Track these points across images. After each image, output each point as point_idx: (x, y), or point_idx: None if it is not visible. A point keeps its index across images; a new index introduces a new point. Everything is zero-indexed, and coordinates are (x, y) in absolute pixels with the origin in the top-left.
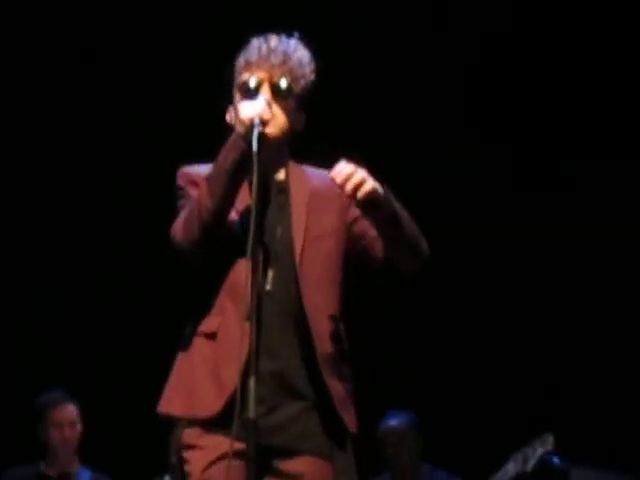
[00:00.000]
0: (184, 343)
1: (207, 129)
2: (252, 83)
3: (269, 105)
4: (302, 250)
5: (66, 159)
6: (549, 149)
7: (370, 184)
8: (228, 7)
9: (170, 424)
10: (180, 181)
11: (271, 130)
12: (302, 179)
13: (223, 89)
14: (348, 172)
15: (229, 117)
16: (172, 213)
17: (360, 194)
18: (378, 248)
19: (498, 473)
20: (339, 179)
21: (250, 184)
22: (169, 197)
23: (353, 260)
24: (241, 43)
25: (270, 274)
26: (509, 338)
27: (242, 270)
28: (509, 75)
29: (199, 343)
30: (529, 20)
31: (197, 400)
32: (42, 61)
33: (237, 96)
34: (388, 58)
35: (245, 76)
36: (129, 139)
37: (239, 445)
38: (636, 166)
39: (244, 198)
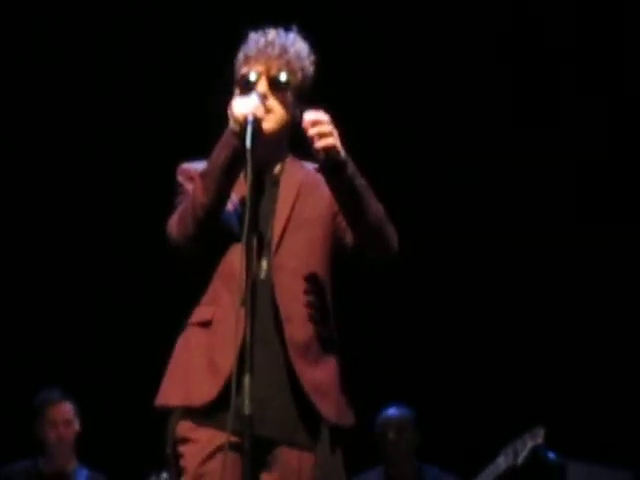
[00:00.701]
0: (180, 335)
1: (207, 125)
2: (252, 77)
3: (264, 99)
4: (280, 239)
5: (66, 158)
6: (549, 148)
7: (333, 140)
8: (228, 4)
9: (167, 421)
10: (179, 177)
11: (269, 123)
12: (295, 172)
13: (224, 85)
14: (319, 119)
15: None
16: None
17: (320, 143)
18: (349, 237)
19: (489, 467)
20: (307, 119)
21: (246, 177)
22: (166, 192)
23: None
24: (241, 40)
25: (264, 263)
26: (503, 332)
27: (237, 260)
28: (508, 75)
29: (194, 333)
30: (529, 20)
31: (193, 388)
32: (42, 61)
33: (237, 91)
34: (388, 58)
35: (244, 70)
36: (128, 138)
37: (233, 438)
38: (636, 166)
39: (240, 190)
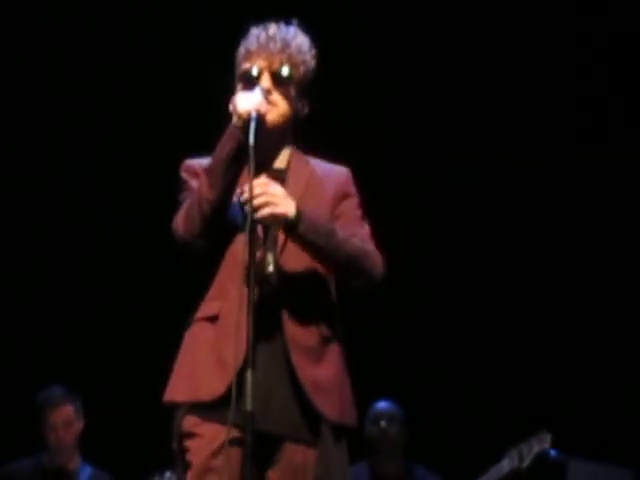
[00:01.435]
0: (186, 331)
1: (209, 121)
2: (254, 72)
3: (268, 94)
4: (286, 237)
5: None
6: (549, 149)
7: (270, 209)
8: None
9: (172, 418)
10: (183, 174)
11: (272, 117)
12: (302, 169)
13: (225, 80)
14: (254, 193)
15: (231, 108)
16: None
17: (259, 215)
18: None
19: (492, 469)
20: (243, 197)
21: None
22: (171, 188)
23: None
24: (242, 34)
25: (269, 257)
26: (503, 331)
27: (243, 253)
28: (508, 75)
29: (201, 328)
30: (529, 20)
31: (201, 384)
32: (42, 60)
33: (239, 86)
34: (387, 58)
35: (246, 65)
36: (128, 136)
37: (238, 433)
38: (636, 166)
39: (245, 182)
